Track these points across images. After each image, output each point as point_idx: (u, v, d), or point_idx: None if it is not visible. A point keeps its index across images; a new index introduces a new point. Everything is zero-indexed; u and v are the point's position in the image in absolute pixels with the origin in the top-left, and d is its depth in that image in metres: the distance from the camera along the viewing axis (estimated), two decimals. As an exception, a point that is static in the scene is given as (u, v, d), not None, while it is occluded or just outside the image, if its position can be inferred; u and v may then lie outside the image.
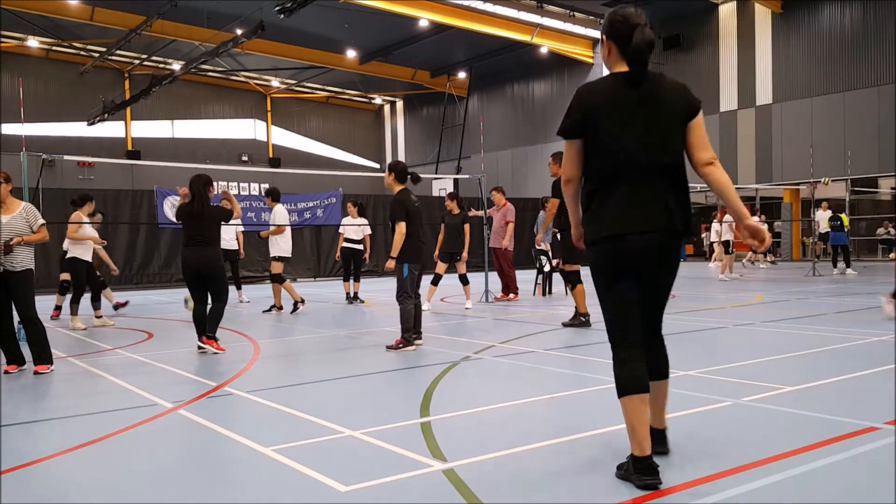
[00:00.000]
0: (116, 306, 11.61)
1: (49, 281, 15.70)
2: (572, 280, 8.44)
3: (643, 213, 3.05)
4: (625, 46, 3.11)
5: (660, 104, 3.09)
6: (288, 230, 10.75)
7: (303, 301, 10.80)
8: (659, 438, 3.31)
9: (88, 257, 9.43)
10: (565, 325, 8.34)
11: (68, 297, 9.83)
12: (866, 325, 7.72)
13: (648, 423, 3.03)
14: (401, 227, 6.69)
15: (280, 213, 10.96)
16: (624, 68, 3.14)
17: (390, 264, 6.84)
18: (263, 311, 10.93)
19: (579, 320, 8.26)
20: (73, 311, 9.31)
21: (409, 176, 6.96)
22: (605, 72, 3.27)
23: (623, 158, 3.04)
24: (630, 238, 3.04)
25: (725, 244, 17.39)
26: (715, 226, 22.34)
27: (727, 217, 17.00)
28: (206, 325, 6.87)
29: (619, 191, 3.06)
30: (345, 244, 12.11)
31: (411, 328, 6.88)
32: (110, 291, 11.51)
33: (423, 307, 10.41)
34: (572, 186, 3.24)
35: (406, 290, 6.87)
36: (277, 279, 10.59)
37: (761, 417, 4.06)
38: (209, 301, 7.02)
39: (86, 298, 9.70)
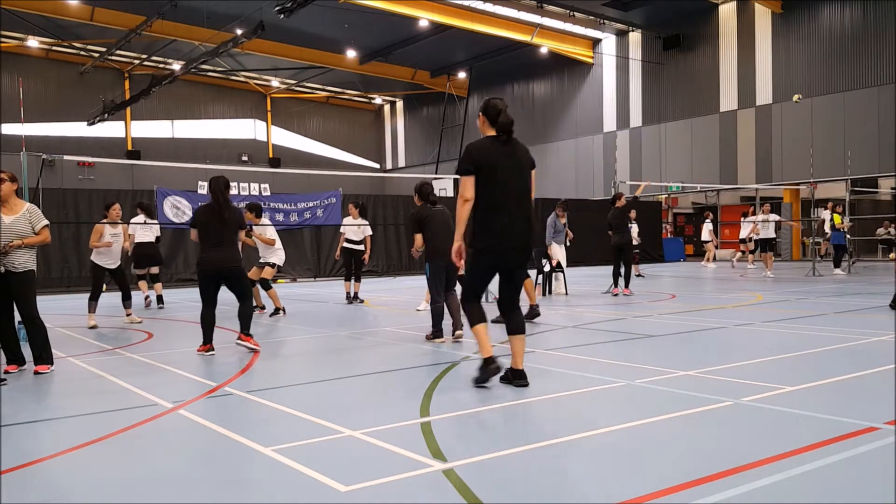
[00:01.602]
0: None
1: (50, 281, 15.74)
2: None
3: (516, 232, 4.90)
4: (493, 122, 4.96)
5: (519, 158, 4.98)
6: (278, 240, 10.70)
7: (264, 308, 10.74)
8: (519, 374, 5.01)
9: (104, 263, 9.48)
10: (492, 321, 8.87)
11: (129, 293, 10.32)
12: (866, 325, 7.72)
13: (489, 336, 5.09)
14: (417, 238, 7.57)
15: (271, 229, 10.84)
16: (493, 133, 4.96)
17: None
18: (270, 315, 10.83)
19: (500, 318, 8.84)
20: (91, 309, 9.36)
21: (430, 194, 7.76)
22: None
23: (500, 194, 4.84)
24: (508, 248, 4.92)
25: (763, 242, 17.34)
26: (707, 225, 22.51)
27: (759, 216, 16.95)
28: (241, 324, 6.93)
29: (500, 215, 4.85)
30: (345, 244, 12.09)
31: (437, 324, 7.39)
32: (146, 285, 12.15)
33: (419, 307, 10.49)
34: (470, 205, 4.84)
35: (430, 288, 7.58)
36: (266, 285, 10.50)
37: (761, 417, 4.06)
38: (236, 302, 7.10)
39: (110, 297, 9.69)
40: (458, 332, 7.38)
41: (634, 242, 18.05)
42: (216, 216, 6.87)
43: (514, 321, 5.11)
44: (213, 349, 6.89)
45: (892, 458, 3.25)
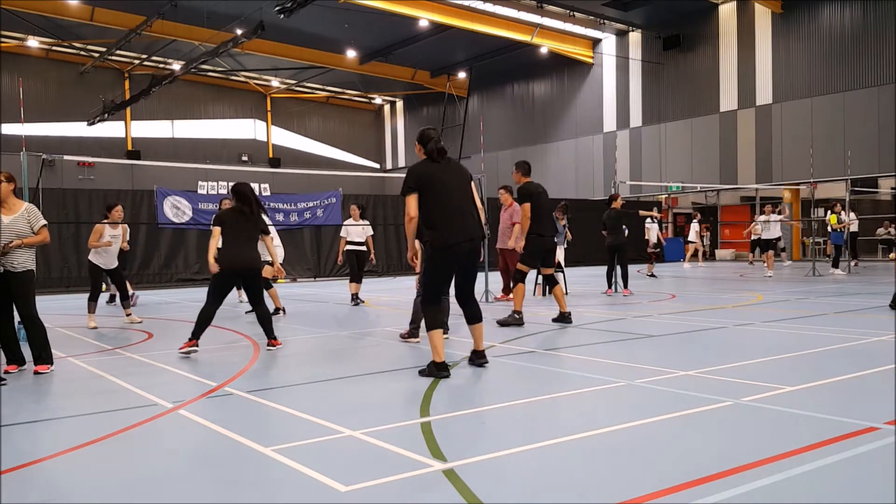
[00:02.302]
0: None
1: (49, 281, 15.75)
2: (517, 278, 8.66)
3: (464, 229, 5.48)
4: (426, 147, 5.58)
5: (456, 173, 5.66)
6: (276, 238, 10.69)
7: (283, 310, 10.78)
8: (480, 355, 5.78)
9: (102, 264, 9.47)
10: (500, 323, 8.43)
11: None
12: (866, 325, 7.72)
13: (443, 343, 5.68)
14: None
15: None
16: (424, 157, 5.63)
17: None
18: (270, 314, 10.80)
19: (514, 318, 8.43)
20: (90, 310, 9.36)
21: None
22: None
23: (445, 201, 5.44)
24: (461, 244, 5.45)
25: (765, 242, 17.38)
26: (694, 225, 22.60)
27: (760, 217, 16.93)
28: (264, 331, 7.17)
29: (448, 216, 5.44)
30: (349, 247, 12.01)
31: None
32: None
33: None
34: (416, 223, 5.43)
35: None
36: (266, 284, 10.49)
37: (761, 417, 4.06)
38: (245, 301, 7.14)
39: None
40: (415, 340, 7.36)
41: (653, 241, 18.16)
42: (244, 217, 7.03)
43: (471, 311, 5.74)
44: (197, 346, 6.80)
45: (892, 458, 3.25)
